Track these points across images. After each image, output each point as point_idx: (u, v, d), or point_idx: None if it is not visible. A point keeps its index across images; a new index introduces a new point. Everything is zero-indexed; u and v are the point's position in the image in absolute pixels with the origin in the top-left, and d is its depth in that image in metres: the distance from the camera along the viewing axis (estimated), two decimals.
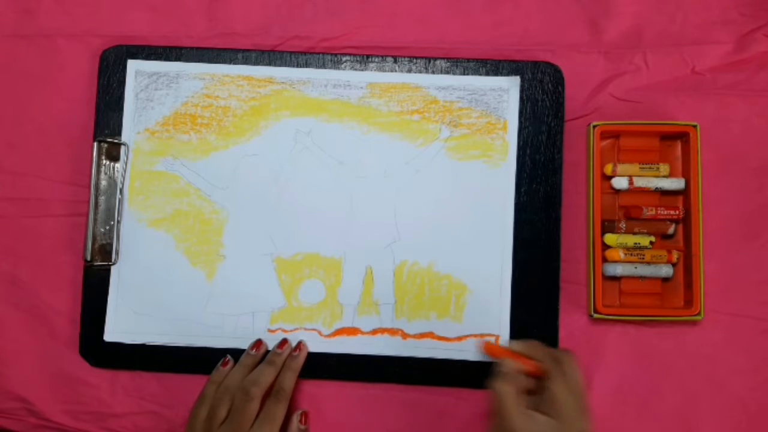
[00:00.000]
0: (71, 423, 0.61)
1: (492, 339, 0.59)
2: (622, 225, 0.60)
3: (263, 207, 0.61)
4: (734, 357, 0.60)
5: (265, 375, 0.57)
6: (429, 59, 0.62)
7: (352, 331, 0.60)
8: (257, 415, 0.55)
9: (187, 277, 0.61)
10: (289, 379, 0.57)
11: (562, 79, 0.61)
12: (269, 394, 0.56)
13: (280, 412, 0.55)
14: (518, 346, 0.56)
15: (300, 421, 0.58)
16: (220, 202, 0.61)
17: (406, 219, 0.61)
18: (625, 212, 0.61)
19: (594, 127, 0.60)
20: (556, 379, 0.52)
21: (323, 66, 0.62)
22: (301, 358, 0.59)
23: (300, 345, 0.60)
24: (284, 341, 0.60)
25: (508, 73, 0.62)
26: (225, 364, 0.59)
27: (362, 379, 0.60)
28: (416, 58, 0.62)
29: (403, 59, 0.62)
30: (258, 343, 0.60)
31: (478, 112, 0.61)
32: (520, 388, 0.53)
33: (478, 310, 0.60)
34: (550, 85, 0.61)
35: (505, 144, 0.61)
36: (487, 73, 0.62)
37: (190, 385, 0.60)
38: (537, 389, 0.53)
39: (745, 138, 0.61)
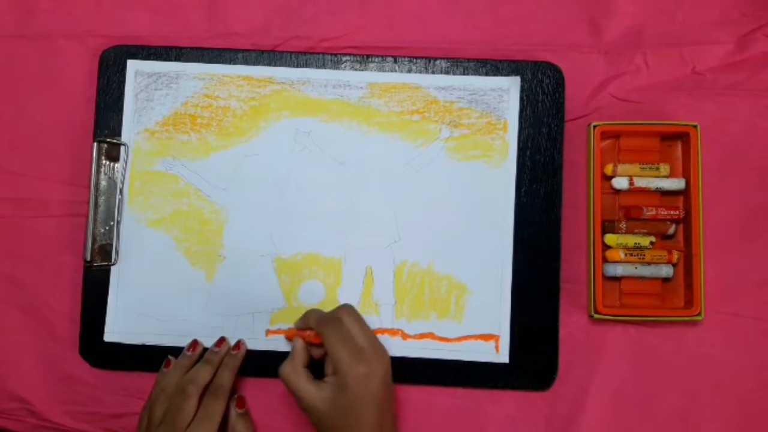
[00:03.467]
0: (71, 423, 0.61)
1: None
2: (623, 225, 0.60)
3: (263, 207, 0.61)
4: (734, 357, 0.60)
5: (202, 373, 0.56)
6: (429, 59, 0.62)
7: None
8: (195, 414, 0.55)
9: (186, 278, 0.61)
10: (227, 377, 0.57)
11: (562, 79, 0.61)
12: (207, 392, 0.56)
13: (219, 409, 0.55)
14: (299, 322, 0.57)
15: (236, 405, 0.58)
16: (220, 202, 0.61)
17: (406, 219, 0.61)
18: (626, 212, 0.61)
19: (594, 127, 0.60)
20: (328, 337, 0.53)
21: (323, 66, 0.62)
22: (240, 357, 0.59)
23: (239, 344, 0.59)
24: (222, 339, 0.59)
25: (508, 73, 0.61)
26: (167, 365, 0.58)
27: None
28: (416, 58, 0.62)
29: (403, 59, 0.62)
30: (194, 343, 0.59)
31: (478, 112, 0.61)
32: (303, 363, 0.54)
33: (478, 311, 0.60)
34: (550, 85, 0.61)
35: (505, 144, 0.61)
36: (487, 73, 0.62)
37: None
38: (325, 355, 0.54)
39: (745, 138, 0.61)
